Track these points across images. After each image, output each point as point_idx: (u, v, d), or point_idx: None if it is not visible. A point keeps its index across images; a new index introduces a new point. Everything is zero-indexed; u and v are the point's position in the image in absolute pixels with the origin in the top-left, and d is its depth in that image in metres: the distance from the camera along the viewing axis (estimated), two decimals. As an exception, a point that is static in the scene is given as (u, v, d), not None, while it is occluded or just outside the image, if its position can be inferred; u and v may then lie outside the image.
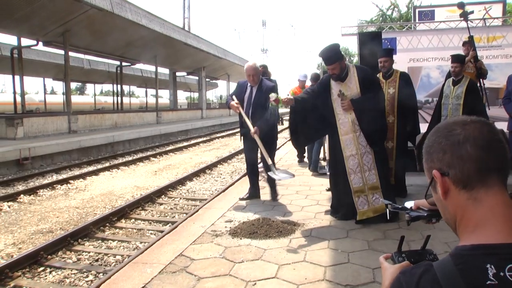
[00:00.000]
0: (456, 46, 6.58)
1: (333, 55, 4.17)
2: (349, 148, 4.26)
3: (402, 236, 1.07)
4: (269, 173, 4.76)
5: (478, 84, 5.33)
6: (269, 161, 4.72)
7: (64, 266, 4.20)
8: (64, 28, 14.55)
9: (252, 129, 4.87)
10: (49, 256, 4.39)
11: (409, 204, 1.19)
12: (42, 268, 4.14)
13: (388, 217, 1.61)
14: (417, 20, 9.33)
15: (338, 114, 4.29)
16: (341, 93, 4.23)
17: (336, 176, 4.47)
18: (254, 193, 5.40)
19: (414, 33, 7.43)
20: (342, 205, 4.42)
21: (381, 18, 21.52)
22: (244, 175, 6.02)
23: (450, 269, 0.74)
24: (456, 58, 5.10)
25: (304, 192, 5.67)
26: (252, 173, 5.45)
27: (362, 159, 4.23)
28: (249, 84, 5.23)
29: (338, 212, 4.48)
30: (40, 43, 16.04)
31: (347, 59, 4.00)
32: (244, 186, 5.45)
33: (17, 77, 16.60)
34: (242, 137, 5.44)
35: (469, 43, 5.72)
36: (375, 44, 6.61)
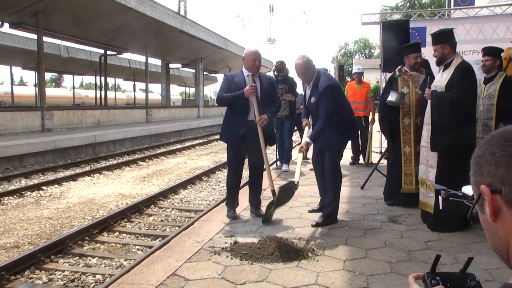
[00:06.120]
0: (501, 37, 6.37)
1: (436, 36, 4.72)
2: (424, 138, 4.93)
3: (438, 255, 1.02)
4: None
5: None
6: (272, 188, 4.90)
7: (31, 288, 4.11)
8: (37, 8, 14.38)
9: (258, 117, 4.94)
10: (12, 277, 4.28)
11: (471, 189, 0.98)
12: (1, 292, 4.04)
13: (440, 206, 1.54)
14: (452, 6, 9.29)
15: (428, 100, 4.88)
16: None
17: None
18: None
19: (448, 21, 7.44)
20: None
21: (408, 4, 21.50)
22: (245, 184, 6.00)
23: None
24: (488, 51, 5.08)
25: (316, 204, 5.65)
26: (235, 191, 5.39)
27: (428, 154, 4.81)
28: (246, 75, 5.14)
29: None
30: (6, 25, 15.81)
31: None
32: (247, 196, 5.44)
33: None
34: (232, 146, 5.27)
35: None
36: (401, 35, 6.60)
